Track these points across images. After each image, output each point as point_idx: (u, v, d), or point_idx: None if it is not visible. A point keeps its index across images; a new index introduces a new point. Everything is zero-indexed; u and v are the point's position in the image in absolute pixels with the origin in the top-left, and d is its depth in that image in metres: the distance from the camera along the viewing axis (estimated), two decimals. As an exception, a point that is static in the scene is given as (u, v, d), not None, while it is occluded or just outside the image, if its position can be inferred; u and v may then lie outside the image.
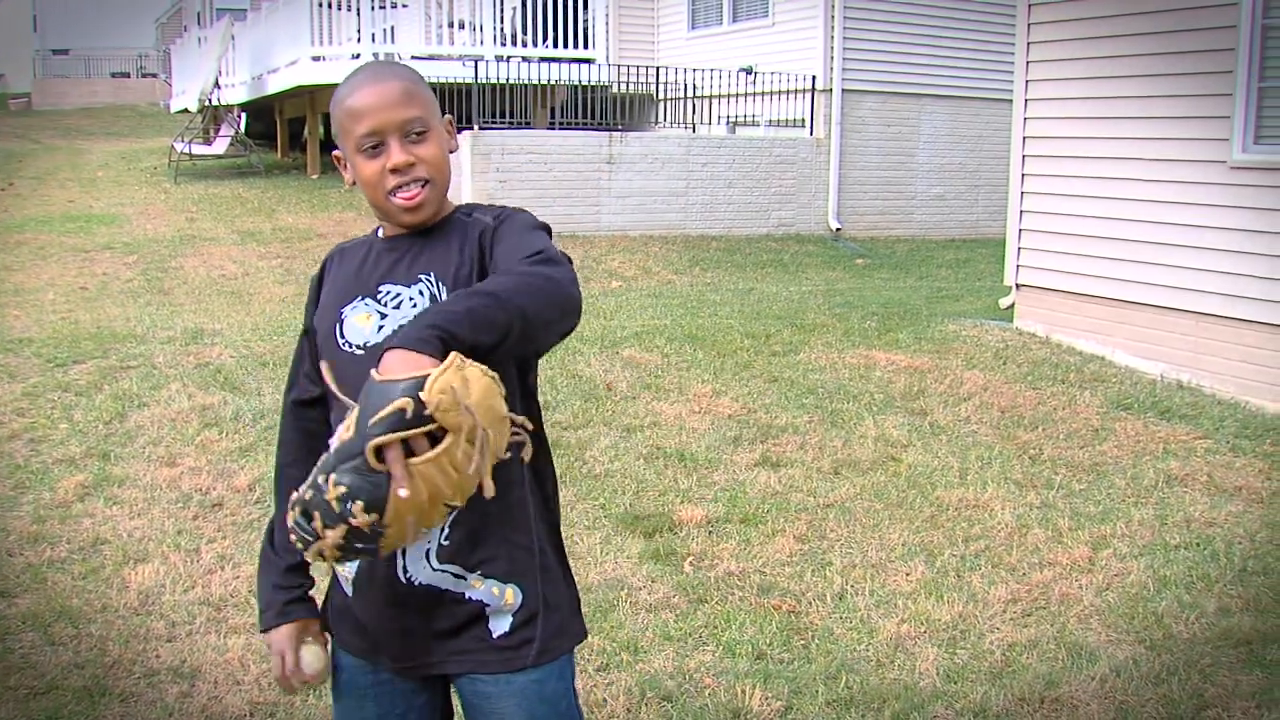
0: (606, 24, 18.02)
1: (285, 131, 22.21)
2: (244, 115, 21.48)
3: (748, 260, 14.20)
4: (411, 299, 2.10)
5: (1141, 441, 6.84)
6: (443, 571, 2.06)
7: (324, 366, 1.98)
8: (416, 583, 2.05)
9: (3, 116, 34.31)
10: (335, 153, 2.19)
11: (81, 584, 4.82)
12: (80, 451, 6.25)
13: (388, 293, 2.12)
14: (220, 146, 20.31)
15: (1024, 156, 9.59)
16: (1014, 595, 4.90)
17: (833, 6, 15.75)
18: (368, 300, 2.13)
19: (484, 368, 1.71)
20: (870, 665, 4.30)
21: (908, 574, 5.10)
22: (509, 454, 1.80)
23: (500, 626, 2.09)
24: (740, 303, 10.82)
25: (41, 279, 11.87)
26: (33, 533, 5.29)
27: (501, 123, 15.30)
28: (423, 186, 2.10)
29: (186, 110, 22.22)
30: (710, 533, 5.49)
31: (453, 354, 1.68)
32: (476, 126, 14.62)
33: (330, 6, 16.91)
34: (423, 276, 2.11)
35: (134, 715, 3.85)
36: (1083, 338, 9.02)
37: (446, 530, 2.04)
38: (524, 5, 17.27)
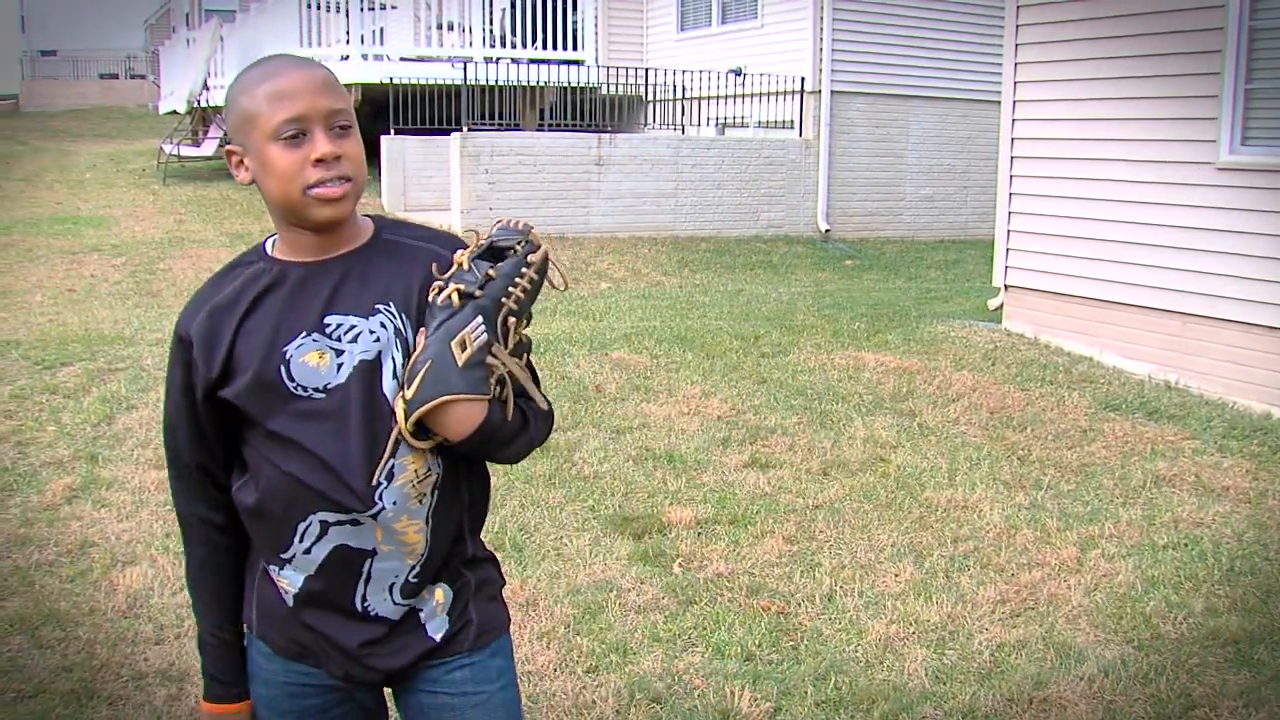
0: (596, 26, 18.03)
1: (274, 133, 22.16)
2: (232, 117, 21.39)
3: (737, 261, 14.21)
4: (372, 331, 1.94)
5: (1129, 442, 6.85)
6: (401, 606, 2.03)
7: (269, 424, 1.92)
8: (372, 614, 2.02)
9: (-10, 118, 34.18)
10: (230, 147, 1.96)
11: (69, 587, 4.81)
12: (68, 454, 6.24)
13: (338, 325, 1.94)
14: (209, 148, 20.24)
15: (1012, 158, 9.62)
16: (1002, 596, 4.90)
17: (821, 8, 15.77)
18: (315, 336, 1.93)
19: None
20: (859, 666, 4.30)
21: (896, 575, 5.10)
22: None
23: (438, 629, 2.07)
24: (729, 304, 10.83)
25: (29, 281, 11.84)
26: (20, 535, 5.27)
27: (490, 124, 15.31)
28: (345, 184, 1.91)
29: (175, 112, 22.18)
30: (699, 534, 5.49)
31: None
32: (466, 128, 14.62)
33: (319, 8, 16.90)
34: (380, 307, 1.96)
35: (122, 718, 3.84)
36: (1071, 338, 9.05)
37: (416, 568, 2.02)
38: (513, 7, 17.28)
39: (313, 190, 1.88)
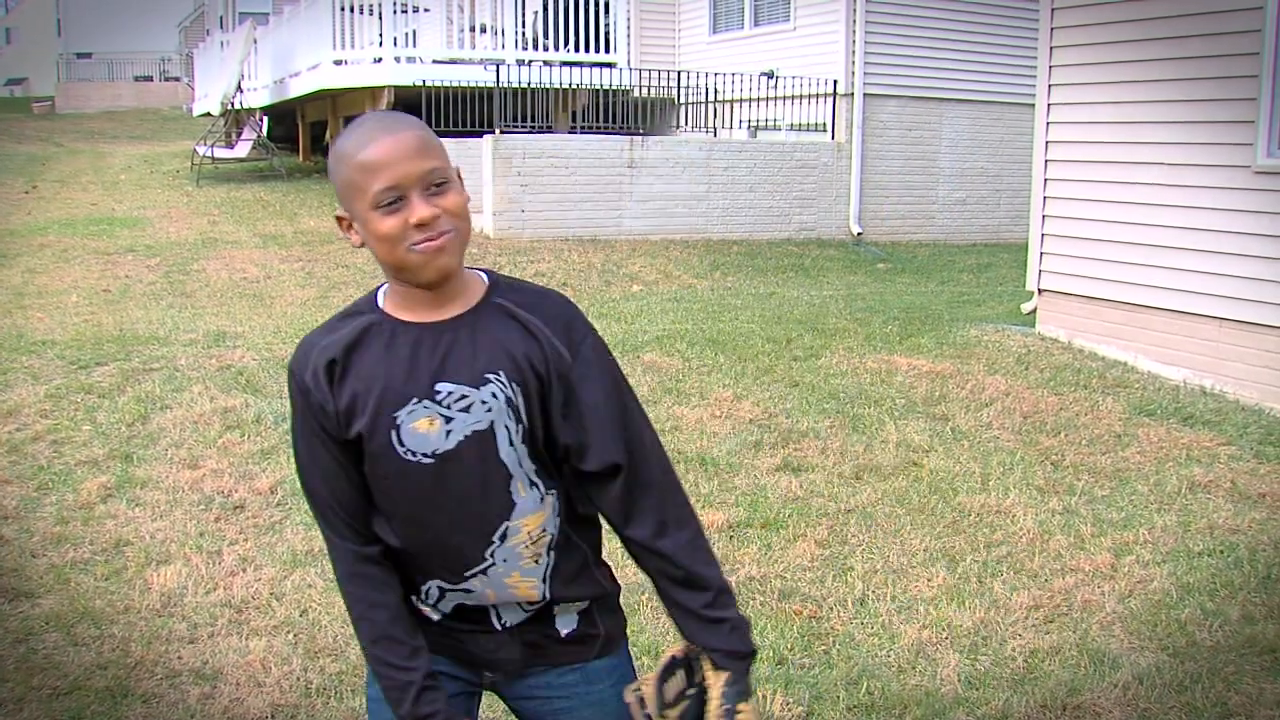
0: (628, 28, 18.04)
1: (307, 135, 22.30)
2: (266, 119, 21.54)
3: (769, 264, 14.18)
4: (484, 401, 1.96)
5: (1164, 448, 6.80)
6: (529, 611, 2.13)
7: (380, 480, 2.01)
8: (508, 625, 2.13)
9: (26, 120, 34.50)
10: (340, 213, 2.00)
11: (104, 585, 4.84)
12: (103, 453, 6.28)
13: (448, 393, 1.97)
14: (242, 150, 20.38)
15: (1046, 161, 9.56)
16: (1036, 601, 4.88)
17: (854, 10, 15.71)
18: (426, 403, 1.96)
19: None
20: (891, 671, 4.28)
21: (929, 579, 5.08)
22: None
23: (567, 625, 2.17)
24: (761, 307, 10.81)
25: (64, 281, 11.92)
26: (56, 534, 5.32)
27: (522, 127, 15.32)
28: (445, 235, 1.93)
29: (209, 114, 22.33)
30: (731, 537, 5.48)
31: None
32: (498, 130, 14.65)
33: (352, 10, 16.96)
34: (491, 376, 1.97)
35: (156, 716, 3.86)
36: (1105, 343, 8.99)
37: (537, 608, 2.13)
38: (545, 9, 17.31)
39: (415, 248, 1.91)
